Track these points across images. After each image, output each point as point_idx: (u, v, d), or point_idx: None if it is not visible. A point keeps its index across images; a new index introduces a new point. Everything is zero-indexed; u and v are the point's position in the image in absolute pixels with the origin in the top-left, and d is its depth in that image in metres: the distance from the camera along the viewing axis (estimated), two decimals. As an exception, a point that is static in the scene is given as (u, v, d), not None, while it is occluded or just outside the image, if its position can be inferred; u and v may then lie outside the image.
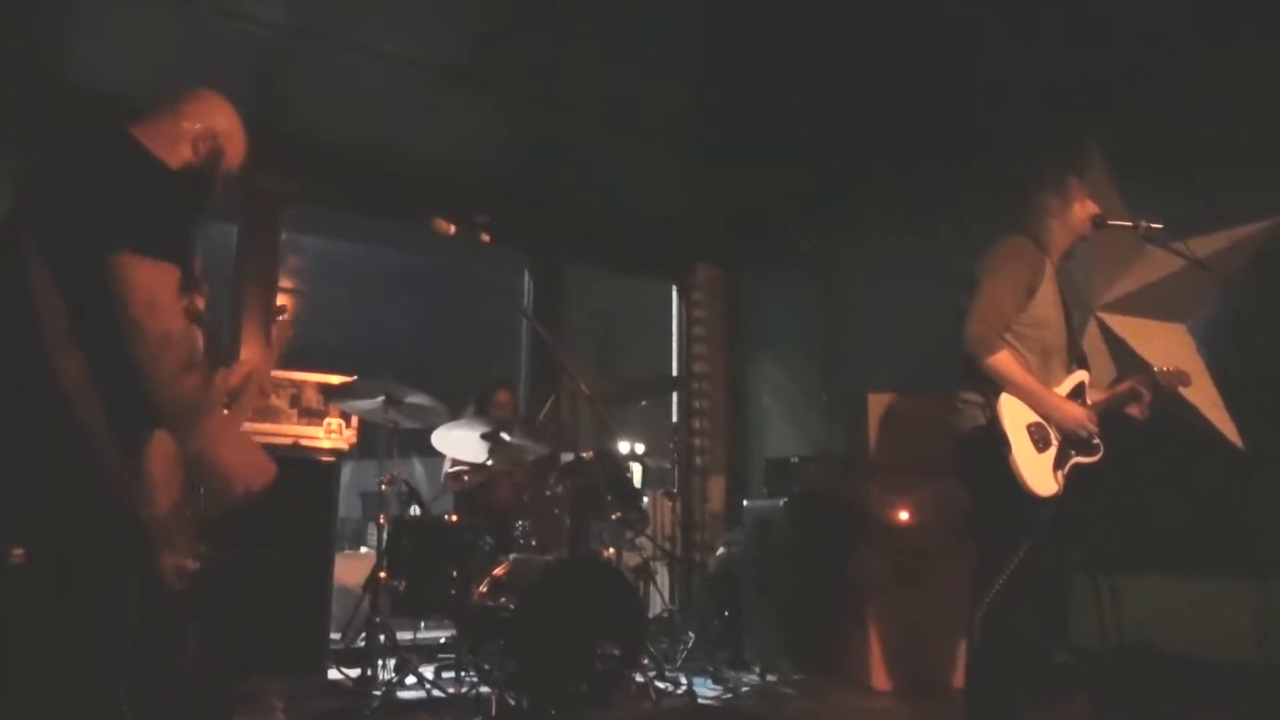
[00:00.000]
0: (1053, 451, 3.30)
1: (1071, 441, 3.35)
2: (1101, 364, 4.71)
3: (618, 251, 7.50)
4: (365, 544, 10.81)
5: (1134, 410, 3.56)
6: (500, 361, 6.45)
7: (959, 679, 4.52)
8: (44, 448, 2.08)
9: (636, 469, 6.79)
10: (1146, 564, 4.51)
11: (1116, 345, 4.80)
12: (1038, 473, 3.24)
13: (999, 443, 3.24)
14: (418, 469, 9.84)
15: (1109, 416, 3.48)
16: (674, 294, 7.80)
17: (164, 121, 2.40)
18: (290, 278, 8.21)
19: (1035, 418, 3.30)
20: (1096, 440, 3.40)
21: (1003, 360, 3.29)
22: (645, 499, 5.01)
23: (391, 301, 8.42)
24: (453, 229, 3.34)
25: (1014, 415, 3.27)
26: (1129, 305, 4.80)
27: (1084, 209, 3.55)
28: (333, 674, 4.80)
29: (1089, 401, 3.46)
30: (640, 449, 5.81)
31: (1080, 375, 3.51)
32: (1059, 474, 3.27)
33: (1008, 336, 3.36)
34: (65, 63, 5.10)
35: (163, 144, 2.37)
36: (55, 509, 2.09)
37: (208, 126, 2.44)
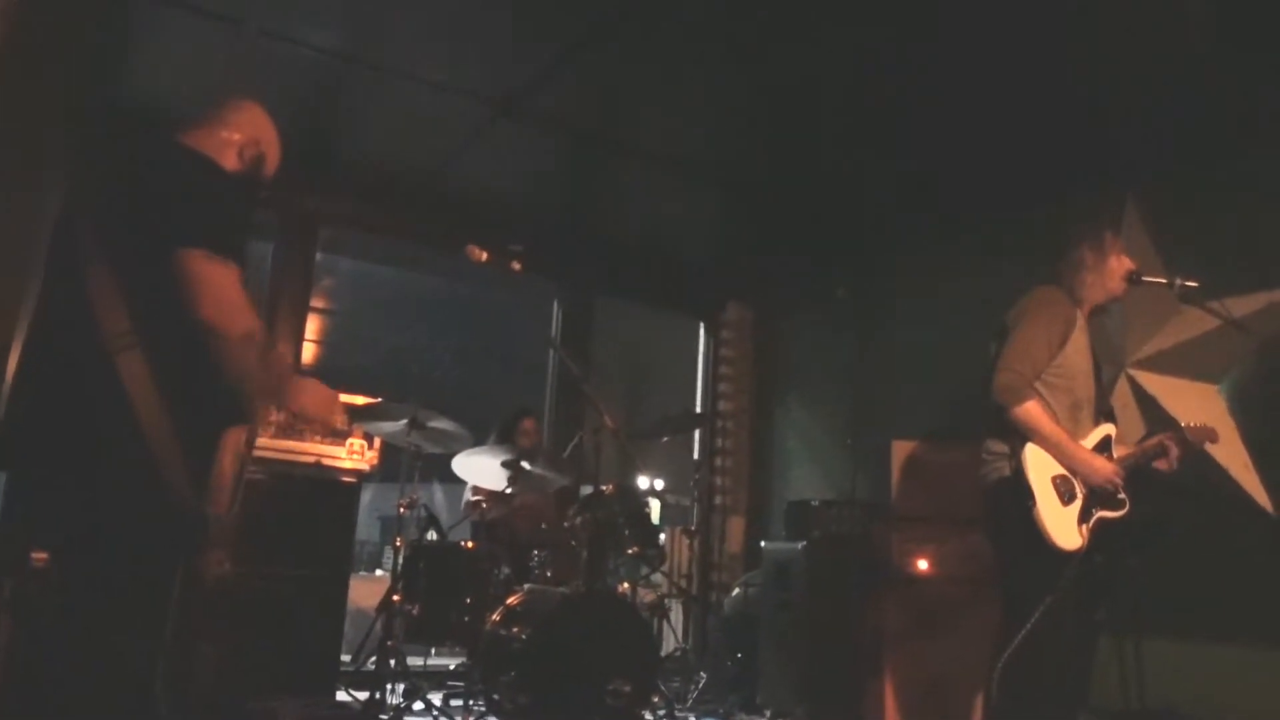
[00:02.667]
0: (1078, 505, 3.26)
1: (1097, 496, 3.31)
2: (1131, 420, 4.66)
3: (648, 286, 7.51)
4: (382, 567, 10.84)
5: (1161, 464, 3.52)
6: (526, 390, 6.46)
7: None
8: (102, 449, 2.09)
9: (655, 504, 6.77)
10: (1173, 628, 4.42)
11: (1147, 403, 4.74)
12: (1062, 526, 3.20)
13: (1024, 495, 3.21)
14: (438, 495, 9.87)
15: (1136, 472, 3.44)
16: (701, 332, 7.78)
17: (212, 131, 2.47)
18: (323, 297, 8.31)
19: (1060, 470, 3.27)
20: (1122, 495, 3.36)
21: (1032, 410, 3.27)
22: (663, 535, 4.96)
23: (421, 326, 8.47)
24: (485, 256, 3.36)
25: (1039, 467, 3.25)
26: (1162, 363, 4.75)
27: (1119, 264, 3.55)
28: (341, 696, 4.77)
29: (1115, 455, 3.43)
30: (660, 484, 5.79)
31: (1107, 428, 3.49)
32: (1084, 528, 3.23)
33: (1037, 386, 3.34)
34: (117, 84, 5.19)
35: (213, 152, 2.44)
36: (114, 509, 2.10)
37: (251, 135, 2.52)
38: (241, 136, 2.50)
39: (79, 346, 2.10)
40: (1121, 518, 3.35)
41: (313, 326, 8.01)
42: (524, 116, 5.27)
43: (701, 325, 7.76)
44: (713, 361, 7.56)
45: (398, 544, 4.46)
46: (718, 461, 7.31)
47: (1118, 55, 4.28)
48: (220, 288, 2.11)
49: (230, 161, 2.46)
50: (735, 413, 7.44)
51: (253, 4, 4.37)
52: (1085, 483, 3.29)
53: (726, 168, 5.93)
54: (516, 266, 3.42)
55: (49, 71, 4.01)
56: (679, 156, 5.78)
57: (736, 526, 7.20)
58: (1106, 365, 3.70)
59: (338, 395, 2.49)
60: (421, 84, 5.00)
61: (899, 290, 6.51)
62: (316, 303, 8.03)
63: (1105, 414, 3.57)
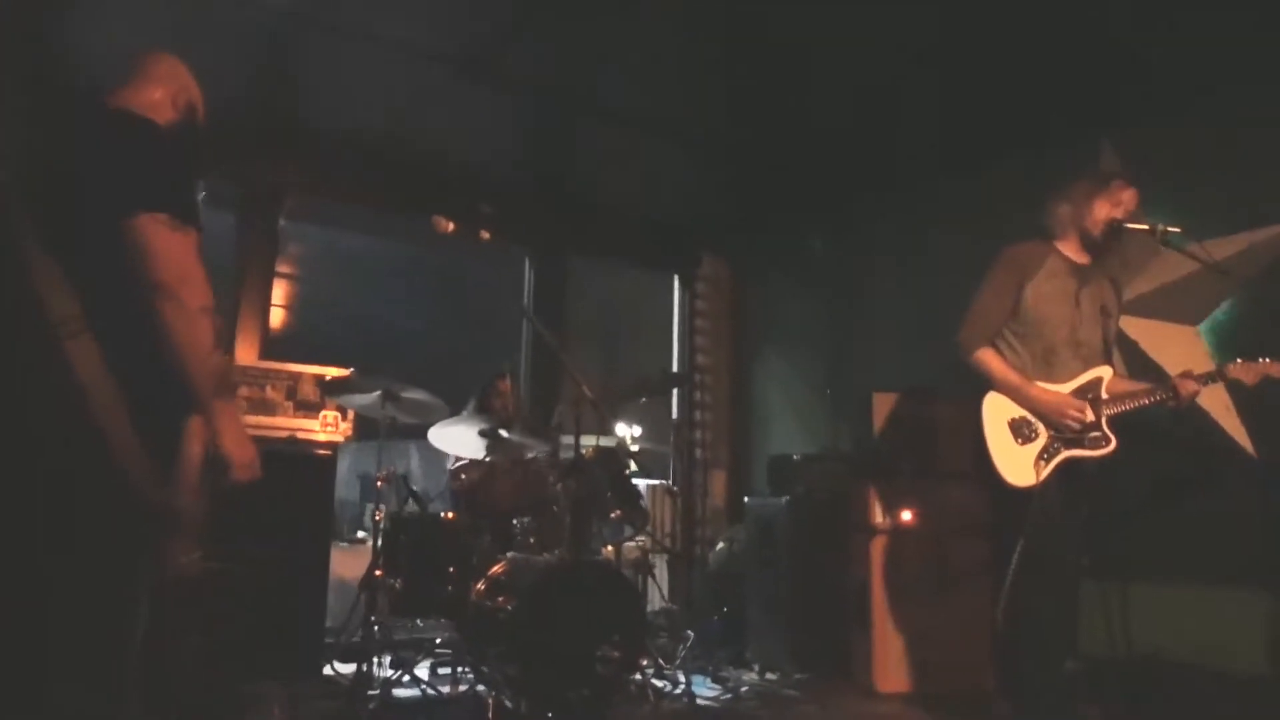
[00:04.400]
0: (1038, 444, 3.39)
1: (1065, 435, 3.38)
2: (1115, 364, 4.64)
3: (621, 244, 7.43)
4: (364, 528, 10.76)
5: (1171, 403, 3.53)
6: (501, 355, 6.37)
7: (965, 682, 4.50)
8: (56, 441, 1.96)
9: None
10: (1158, 573, 4.44)
11: (1128, 346, 4.71)
12: (1013, 463, 3.36)
13: (978, 436, 3.42)
14: (414, 459, 9.77)
15: (1125, 418, 3.46)
16: (676, 286, 7.70)
17: (138, 89, 2.36)
18: (289, 263, 8.15)
19: (1021, 413, 3.43)
20: (1098, 434, 3.41)
21: (982, 356, 3.51)
22: (644, 497, 4.92)
23: (391, 293, 8.34)
24: (451, 227, 3.26)
25: (996, 411, 3.44)
26: (1143, 307, 4.72)
27: (1104, 209, 3.52)
28: (328, 671, 4.73)
29: (1104, 397, 3.46)
30: (637, 431, 5.74)
31: (1098, 371, 3.52)
32: (1042, 464, 3.34)
33: (1007, 336, 3.53)
34: (58, 51, 4.99)
35: (146, 110, 2.31)
36: (74, 506, 1.98)
37: (178, 85, 2.42)
38: (169, 88, 2.40)
39: (25, 333, 1.97)
40: (1103, 457, 3.41)
41: (279, 292, 7.87)
42: (487, 77, 5.14)
43: (676, 279, 7.68)
44: (689, 316, 7.49)
45: (377, 518, 4.38)
46: (697, 415, 7.27)
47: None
48: (178, 254, 1.98)
49: (166, 115, 2.35)
50: (713, 367, 7.39)
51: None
52: (1040, 419, 3.41)
53: (697, 122, 5.82)
54: (485, 235, 3.32)
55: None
56: (649, 112, 5.66)
57: (719, 480, 7.19)
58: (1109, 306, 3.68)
59: (251, 449, 2.22)
60: (380, 44, 4.85)
61: (874, 242, 6.46)
62: (283, 268, 7.88)
63: (1103, 357, 3.58)
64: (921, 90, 5.06)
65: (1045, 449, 3.38)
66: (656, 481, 6.99)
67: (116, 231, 1.96)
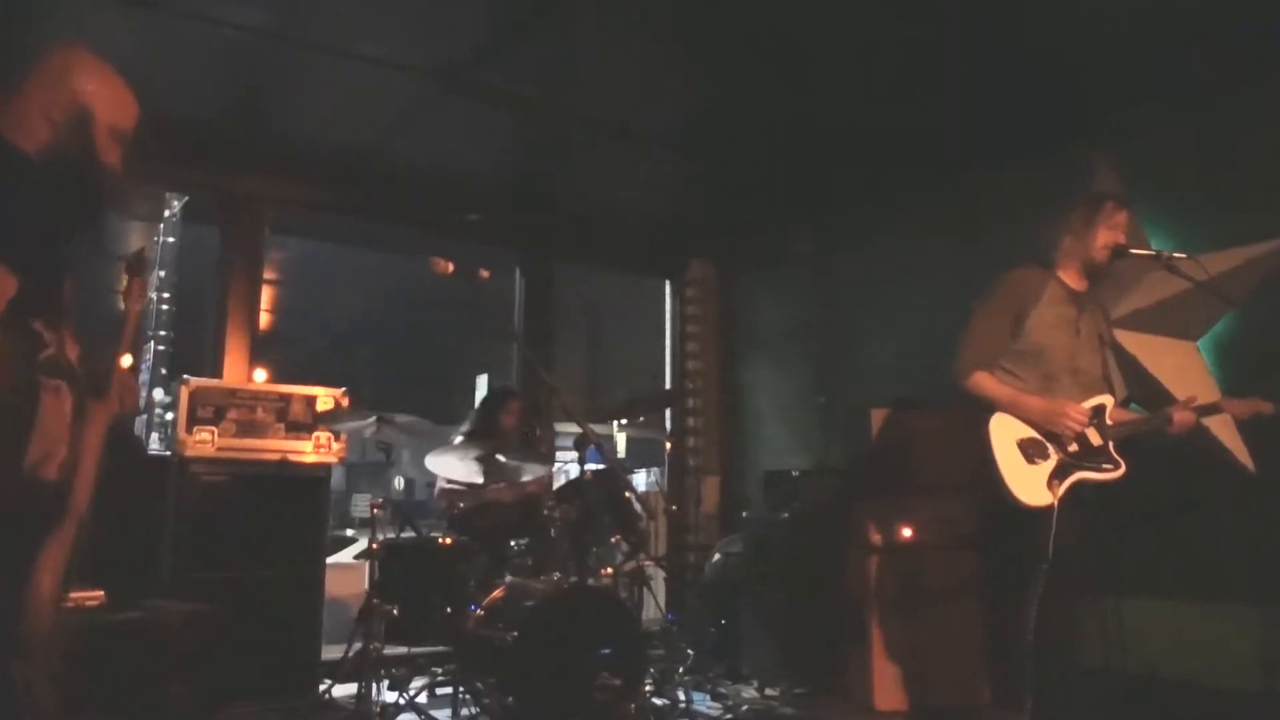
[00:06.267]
0: (1049, 464, 3.34)
1: (1077, 456, 3.36)
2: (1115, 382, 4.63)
3: (610, 249, 7.38)
4: (350, 525, 10.71)
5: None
6: (488, 366, 6.33)
7: (961, 697, 4.51)
8: None
9: (621, 439, 6.66)
10: (1153, 588, 4.44)
11: (1126, 361, 4.69)
12: (1025, 483, 3.30)
13: (987, 458, 3.34)
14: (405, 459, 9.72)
15: (1129, 441, 3.47)
16: (668, 291, 7.65)
17: (11, 98, 1.95)
18: (273, 269, 8.07)
19: (1029, 433, 3.37)
20: (1107, 458, 3.40)
21: (977, 379, 3.45)
22: (643, 519, 4.88)
23: (377, 302, 8.26)
24: (451, 268, 3.21)
25: (1003, 432, 3.37)
26: (1140, 322, 4.70)
27: (1106, 235, 3.51)
28: (325, 693, 4.70)
29: (1109, 423, 3.45)
30: (623, 422, 5.72)
31: (1101, 399, 3.50)
32: (1056, 484, 3.29)
33: (1005, 364, 3.49)
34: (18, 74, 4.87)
35: (12, 128, 1.91)
36: None
37: (61, 93, 1.96)
38: (47, 97, 1.96)
39: None
40: (1114, 480, 3.39)
41: (265, 296, 7.80)
42: (471, 88, 5.06)
43: (667, 284, 7.63)
44: (680, 320, 7.44)
45: (374, 547, 4.33)
46: (689, 421, 7.23)
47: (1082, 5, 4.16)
48: None
49: (39, 133, 1.93)
50: (705, 371, 7.35)
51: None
52: (1041, 430, 3.37)
53: (682, 126, 5.75)
54: (485, 275, 3.27)
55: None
56: (633, 120, 5.59)
57: (712, 487, 7.16)
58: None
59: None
60: (360, 60, 4.77)
61: (862, 250, 6.41)
62: (267, 274, 7.80)
63: (1103, 385, 3.57)
64: (912, 94, 5.00)
65: (1058, 469, 3.34)
66: (646, 485, 6.98)
67: None
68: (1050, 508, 3.24)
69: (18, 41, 4.52)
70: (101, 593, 3.13)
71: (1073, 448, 3.38)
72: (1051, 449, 3.36)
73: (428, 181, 6.24)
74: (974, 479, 3.59)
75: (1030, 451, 3.35)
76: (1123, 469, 3.41)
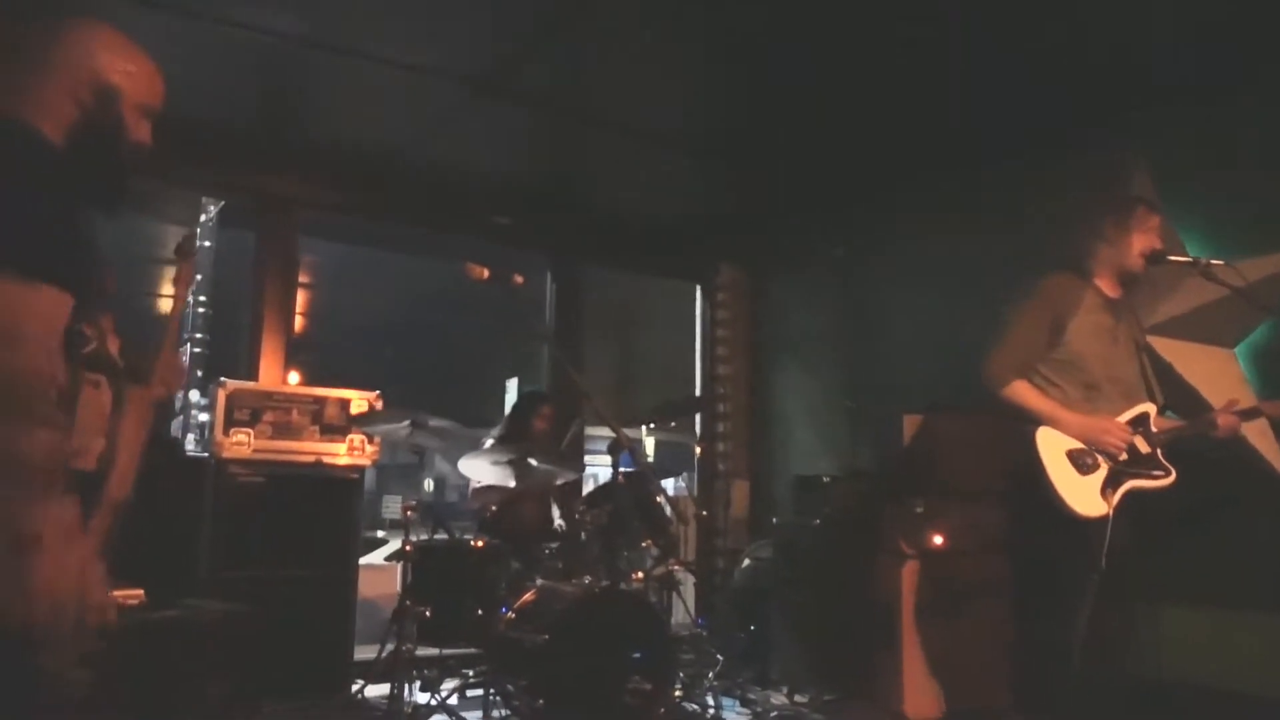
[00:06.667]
0: (1100, 474, 3.31)
1: (1127, 465, 3.33)
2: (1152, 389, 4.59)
3: (640, 253, 7.40)
4: (381, 527, 10.78)
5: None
6: (521, 373, 6.37)
7: (991, 702, 4.47)
8: None
9: (650, 443, 6.64)
10: (1188, 596, 4.40)
11: (1161, 369, 4.65)
12: (1080, 494, 3.27)
13: (1037, 471, 3.30)
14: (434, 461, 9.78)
15: (1170, 447, 3.45)
16: (699, 295, 7.66)
17: (27, 81, 1.83)
18: (307, 273, 8.14)
19: (1076, 444, 3.34)
20: (1157, 465, 3.38)
21: (1016, 389, 3.40)
22: (673, 523, 4.89)
23: (409, 304, 8.31)
24: (486, 274, 3.23)
25: (1051, 443, 3.33)
26: (1176, 329, 4.65)
27: (1142, 241, 3.48)
28: (357, 694, 4.75)
29: (1154, 429, 3.44)
30: (652, 426, 5.72)
31: (1144, 406, 3.49)
32: (1110, 494, 3.27)
33: (1044, 371, 3.45)
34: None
35: (33, 110, 1.81)
36: None
37: (84, 72, 1.86)
38: (69, 77, 1.85)
39: None
40: (1165, 488, 3.38)
41: (298, 299, 7.89)
42: (501, 92, 5.09)
43: (698, 288, 7.63)
44: (710, 325, 7.44)
45: (407, 548, 4.36)
46: (719, 426, 7.23)
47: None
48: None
49: (65, 113, 1.83)
50: (734, 375, 7.34)
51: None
52: (1088, 445, 3.34)
53: (711, 128, 5.75)
54: (519, 280, 3.29)
55: None
56: (663, 123, 5.60)
57: (741, 491, 7.14)
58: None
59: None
60: (392, 65, 4.81)
61: (893, 250, 6.37)
62: (301, 278, 7.89)
63: (1143, 392, 3.56)
64: (945, 91, 4.97)
65: (1110, 478, 3.32)
66: (675, 489, 6.98)
67: None
68: (1104, 518, 3.21)
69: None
70: (142, 591, 3.17)
71: (1122, 456, 3.36)
72: (1101, 458, 3.34)
73: (459, 185, 6.29)
74: (1008, 485, 3.59)
75: (1080, 462, 3.33)
76: (1173, 476, 3.39)
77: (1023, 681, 3.61)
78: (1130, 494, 3.34)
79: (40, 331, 1.59)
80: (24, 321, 1.57)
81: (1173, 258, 3.48)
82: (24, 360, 1.56)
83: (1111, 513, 3.22)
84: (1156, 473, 3.38)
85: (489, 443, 4.93)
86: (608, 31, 4.59)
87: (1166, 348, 4.64)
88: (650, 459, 5.18)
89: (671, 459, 7.91)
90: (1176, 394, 4.57)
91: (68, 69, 1.85)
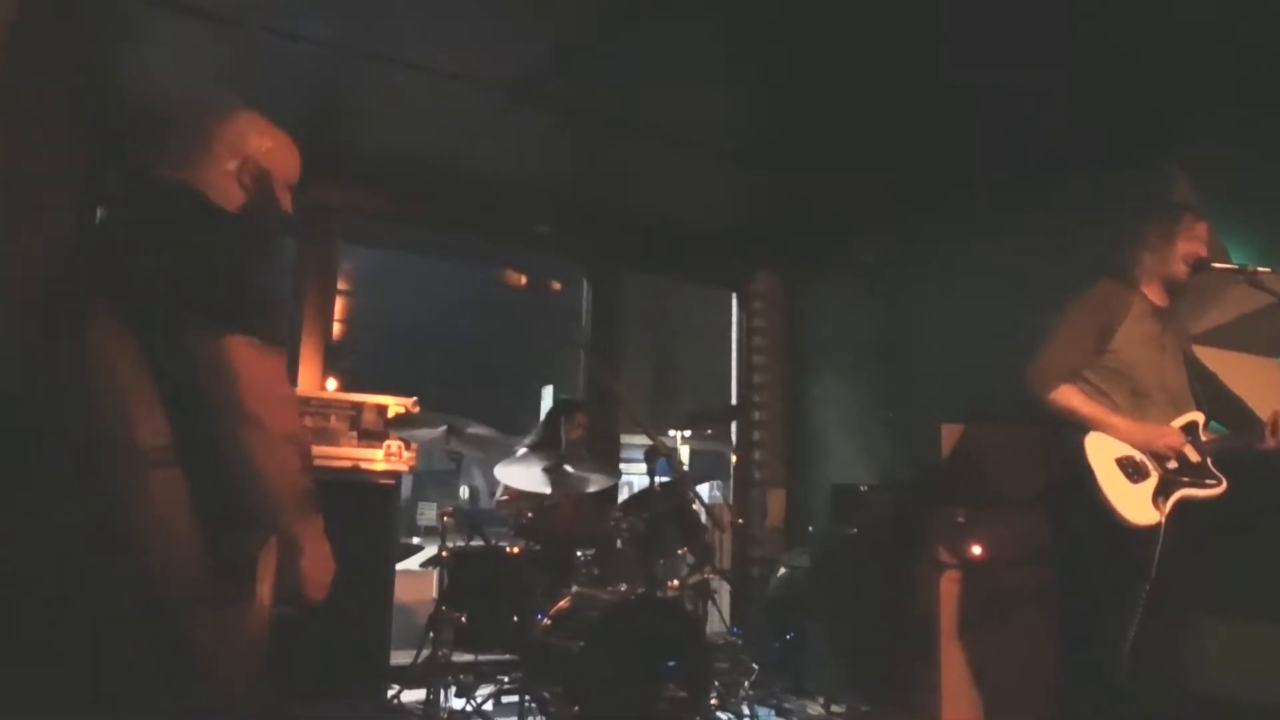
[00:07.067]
0: (1152, 482, 3.28)
1: (1179, 473, 3.30)
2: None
3: (677, 260, 7.39)
4: (417, 533, 10.86)
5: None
6: (557, 372, 6.38)
7: (1032, 716, 4.41)
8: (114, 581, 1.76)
9: (685, 451, 6.62)
10: (1233, 609, 4.31)
11: (1205, 379, 4.58)
12: (1131, 502, 3.23)
13: (1087, 478, 3.26)
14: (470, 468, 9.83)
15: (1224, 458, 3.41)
16: (734, 302, 7.65)
17: (202, 164, 2.07)
18: (345, 280, 8.21)
19: (1126, 451, 3.31)
20: (1209, 474, 3.35)
21: (1062, 394, 3.36)
22: (709, 530, 4.88)
23: (446, 310, 8.36)
24: (523, 280, 3.24)
25: (1100, 450, 3.30)
26: (1221, 338, 4.57)
27: (1186, 249, 3.45)
28: (393, 698, 4.77)
29: (1204, 438, 3.42)
30: (687, 434, 5.71)
31: (1192, 415, 3.46)
32: (1161, 503, 3.24)
33: (1090, 379, 3.41)
34: (118, 90, 5.05)
35: (211, 186, 2.05)
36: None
37: (247, 152, 2.12)
38: (236, 159, 2.10)
39: (106, 458, 1.77)
40: (1216, 497, 3.35)
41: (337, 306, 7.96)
42: (539, 99, 5.11)
43: (734, 296, 7.62)
44: (747, 332, 7.43)
45: (443, 554, 4.39)
46: (755, 435, 7.21)
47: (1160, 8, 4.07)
48: (265, 379, 1.82)
49: (234, 195, 2.09)
50: (770, 384, 7.32)
51: (255, 3, 4.23)
52: (1140, 450, 3.31)
53: (747, 134, 5.74)
54: (556, 286, 3.30)
55: (52, 78, 3.89)
56: (700, 131, 5.60)
57: (777, 500, 7.12)
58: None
59: (331, 569, 2.07)
60: (432, 73, 4.84)
61: (930, 257, 6.32)
62: (339, 284, 7.96)
63: (1191, 401, 3.53)
64: (986, 99, 4.93)
65: (1161, 486, 3.29)
66: (709, 496, 6.96)
67: (198, 349, 1.79)
68: (1156, 526, 3.19)
69: (104, 58, 4.71)
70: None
71: (1172, 464, 3.33)
72: (1151, 466, 3.31)
73: (497, 192, 6.31)
74: (1051, 493, 3.55)
75: (1130, 469, 3.30)
76: (1224, 485, 3.35)
77: (1067, 695, 3.54)
78: (1182, 503, 3.31)
79: (287, 393, 1.97)
80: (282, 388, 1.93)
81: (1218, 265, 3.42)
82: (290, 418, 1.91)
83: (1164, 521, 3.19)
84: (1209, 481, 3.35)
85: (522, 451, 4.93)
86: (647, 39, 4.59)
87: (1211, 357, 4.56)
88: (686, 467, 5.16)
89: (707, 467, 7.87)
90: (1220, 405, 4.50)
91: (229, 156, 2.10)
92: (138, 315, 1.82)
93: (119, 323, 1.81)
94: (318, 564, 2.00)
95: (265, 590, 1.98)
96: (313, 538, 1.99)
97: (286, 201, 2.22)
